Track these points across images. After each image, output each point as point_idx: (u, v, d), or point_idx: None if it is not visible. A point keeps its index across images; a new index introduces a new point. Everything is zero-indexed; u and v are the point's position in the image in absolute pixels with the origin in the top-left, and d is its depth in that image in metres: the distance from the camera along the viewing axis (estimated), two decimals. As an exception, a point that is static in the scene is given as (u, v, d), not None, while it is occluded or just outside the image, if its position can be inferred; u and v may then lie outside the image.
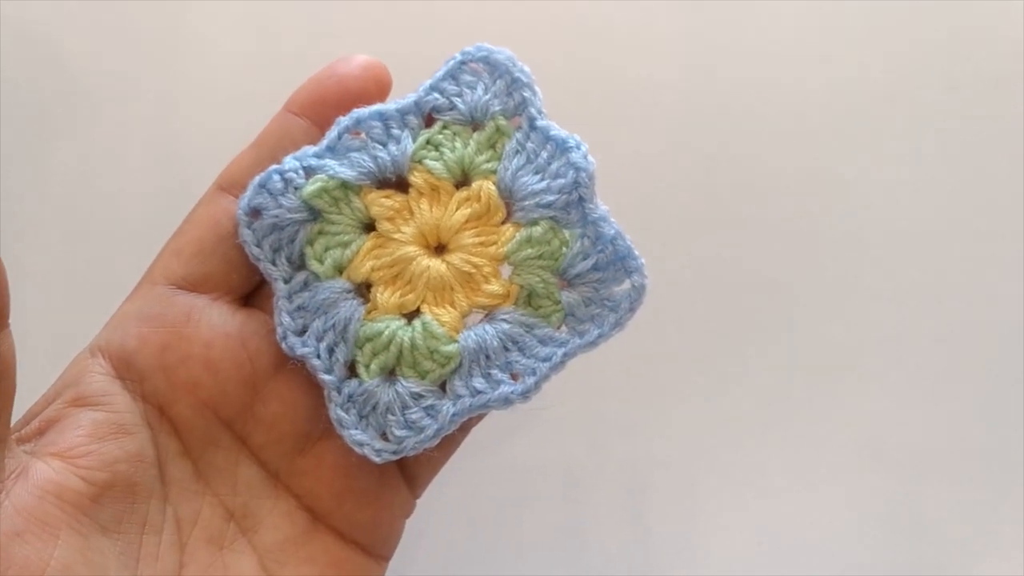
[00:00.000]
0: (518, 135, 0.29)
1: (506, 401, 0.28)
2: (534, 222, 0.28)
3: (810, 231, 0.48)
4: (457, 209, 0.29)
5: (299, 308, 0.29)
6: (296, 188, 0.28)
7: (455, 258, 0.29)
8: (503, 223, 0.29)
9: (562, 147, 0.28)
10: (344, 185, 0.29)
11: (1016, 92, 0.48)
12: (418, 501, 0.32)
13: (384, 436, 0.28)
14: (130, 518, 0.27)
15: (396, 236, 0.29)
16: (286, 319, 0.29)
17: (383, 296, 0.29)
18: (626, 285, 0.29)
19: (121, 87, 0.47)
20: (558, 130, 0.29)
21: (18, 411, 0.27)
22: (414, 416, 0.28)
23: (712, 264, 0.48)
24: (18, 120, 0.46)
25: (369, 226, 0.29)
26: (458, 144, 0.29)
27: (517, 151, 0.29)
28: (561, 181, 0.28)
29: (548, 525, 0.48)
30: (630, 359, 0.47)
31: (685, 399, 0.48)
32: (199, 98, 0.47)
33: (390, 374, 0.29)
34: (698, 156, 0.48)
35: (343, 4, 0.47)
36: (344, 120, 0.29)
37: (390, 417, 0.28)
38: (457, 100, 0.29)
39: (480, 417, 0.29)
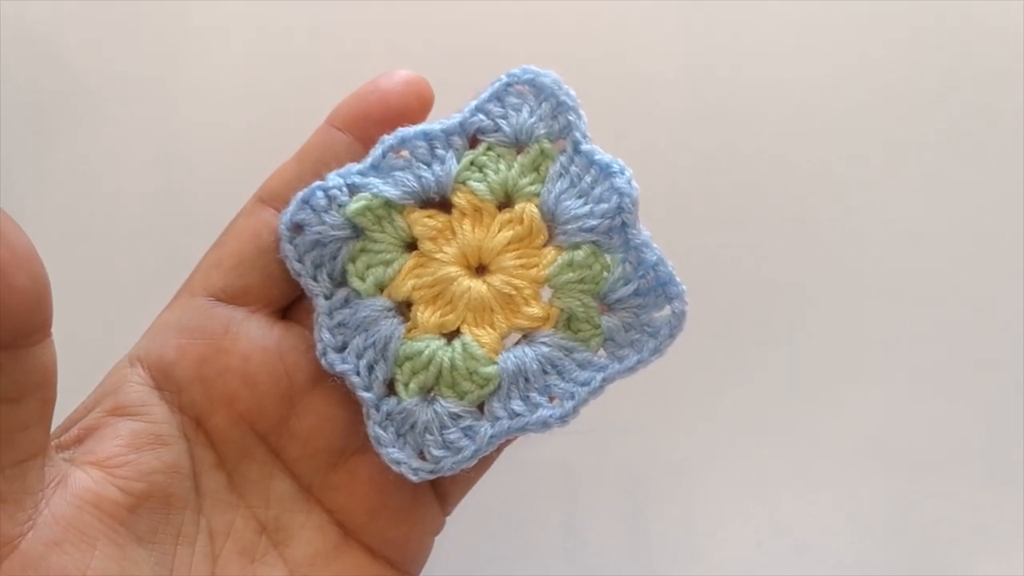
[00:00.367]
0: (562, 158, 0.29)
1: (544, 425, 0.28)
2: (576, 246, 0.29)
3: (810, 231, 0.49)
4: (499, 231, 0.29)
5: (339, 325, 0.29)
6: (340, 205, 0.28)
7: (496, 279, 0.29)
8: (545, 246, 0.29)
9: (606, 172, 0.29)
10: (388, 204, 0.29)
11: (1019, 91, 0.48)
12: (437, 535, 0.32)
13: (421, 455, 0.28)
14: (165, 529, 0.27)
15: (438, 256, 0.29)
16: (326, 335, 0.29)
17: (424, 315, 0.29)
18: (666, 311, 0.29)
19: (121, 87, 0.47)
20: (602, 154, 0.29)
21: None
22: (452, 436, 0.28)
23: (712, 263, 0.48)
24: (18, 120, 0.46)
25: (411, 245, 0.29)
26: (502, 166, 0.29)
27: (561, 174, 0.29)
28: (604, 206, 0.28)
29: (548, 524, 0.48)
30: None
31: (685, 399, 0.48)
32: (199, 98, 0.47)
33: (429, 393, 0.29)
34: (701, 156, 0.48)
35: (343, 4, 0.47)
36: (388, 139, 0.29)
37: (428, 437, 0.28)
38: (502, 122, 0.29)
39: (514, 438, 0.30)
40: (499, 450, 0.30)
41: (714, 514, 0.49)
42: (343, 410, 0.29)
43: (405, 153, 0.29)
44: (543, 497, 0.48)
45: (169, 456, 0.27)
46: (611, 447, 0.48)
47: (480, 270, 0.29)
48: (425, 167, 0.29)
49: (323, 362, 0.28)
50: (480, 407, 0.29)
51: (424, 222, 0.29)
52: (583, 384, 0.28)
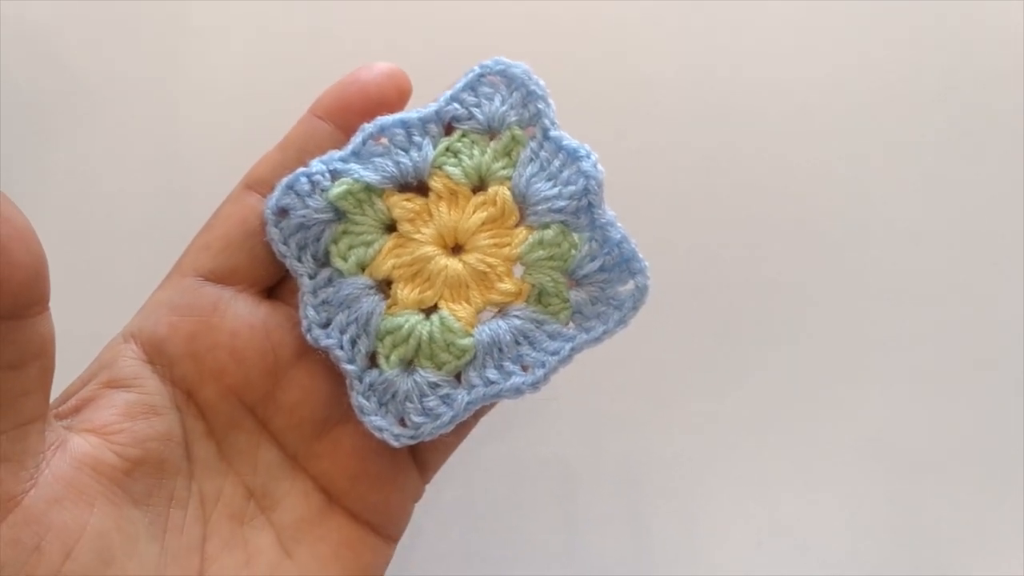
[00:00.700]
0: (532, 144, 0.31)
1: (517, 391, 0.30)
2: (546, 225, 0.30)
3: (810, 231, 0.48)
4: (474, 212, 0.31)
5: (323, 302, 0.30)
6: (322, 190, 0.30)
7: (471, 258, 0.31)
8: (517, 226, 0.31)
9: (573, 156, 0.30)
10: (368, 188, 0.30)
11: (1019, 91, 0.48)
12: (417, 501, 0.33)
13: (402, 422, 0.30)
14: (159, 492, 0.28)
15: (416, 236, 0.31)
16: (311, 313, 0.30)
17: (403, 292, 0.30)
18: (630, 286, 0.31)
19: (122, 87, 0.47)
20: (570, 140, 0.31)
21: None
22: (431, 404, 0.30)
23: (712, 263, 0.48)
24: (18, 120, 0.46)
25: (391, 227, 0.31)
26: (476, 152, 0.31)
27: (531, 159, 0.31)
28: (572, 188, 0.30)
29: (546, 524, 0.48)
30: (630, 357, 0.47)
31: (685, 398, 0.48)
32: (200, 98, 0.47)
33: (409, 365, 0.30)
34: (701, 155, 0.48)
35: (343, 4, 0.47)
36: (369, 127, 0.30)
37: (408, 405, 0.30)
38: (475, 110, 0.31)
39: (491, 406, 0.31)
40: (476, 417, 0.32)
41: (714, 514, 0.49)
42: (325, 383, 0.31)
43: (384, 140, 0.31)
44: (542, 497, 0.48)
45: (162, 425, 0.29)
46: (611, 447, 0.48)
47: (456, 249, 0.31)
48: (403, 153, 0.31)
49: (308, 337, 0.30)
50: (457, 377, 0.30)
51: (403, 205, 0.31)
52: (553, 353, 0.30)
